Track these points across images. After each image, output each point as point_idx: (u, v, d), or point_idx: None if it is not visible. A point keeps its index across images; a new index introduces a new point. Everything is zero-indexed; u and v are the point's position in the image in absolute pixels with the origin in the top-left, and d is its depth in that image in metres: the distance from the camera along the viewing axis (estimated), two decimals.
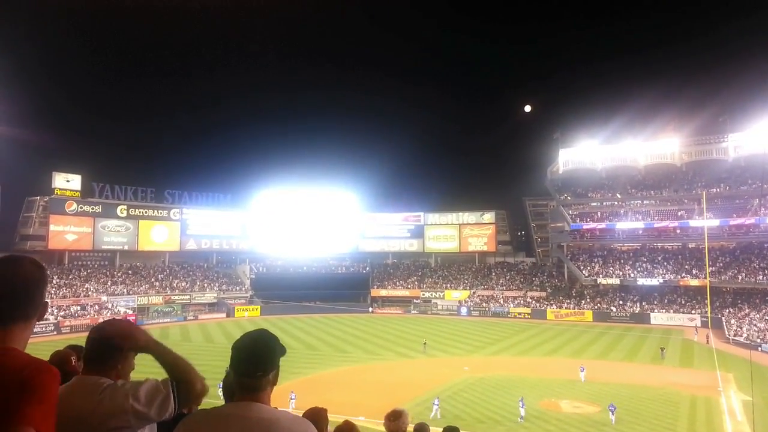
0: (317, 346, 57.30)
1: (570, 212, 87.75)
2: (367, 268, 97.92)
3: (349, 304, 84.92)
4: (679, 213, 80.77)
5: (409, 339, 60.63)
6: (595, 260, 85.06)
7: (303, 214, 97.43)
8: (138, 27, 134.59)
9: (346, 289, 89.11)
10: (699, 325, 66.33)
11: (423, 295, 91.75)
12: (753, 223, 73.22)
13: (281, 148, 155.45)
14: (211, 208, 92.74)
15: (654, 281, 77.36)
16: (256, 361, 2.39)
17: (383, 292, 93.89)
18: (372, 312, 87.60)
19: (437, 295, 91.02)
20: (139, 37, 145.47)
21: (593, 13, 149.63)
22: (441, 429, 6.37)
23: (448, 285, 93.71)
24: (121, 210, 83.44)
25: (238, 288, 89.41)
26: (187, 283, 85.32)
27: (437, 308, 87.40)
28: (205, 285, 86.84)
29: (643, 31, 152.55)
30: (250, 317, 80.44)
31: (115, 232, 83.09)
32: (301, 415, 3.77)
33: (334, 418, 4.07)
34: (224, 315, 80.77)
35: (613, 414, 30.32)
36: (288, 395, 31.95)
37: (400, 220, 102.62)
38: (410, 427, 4.75)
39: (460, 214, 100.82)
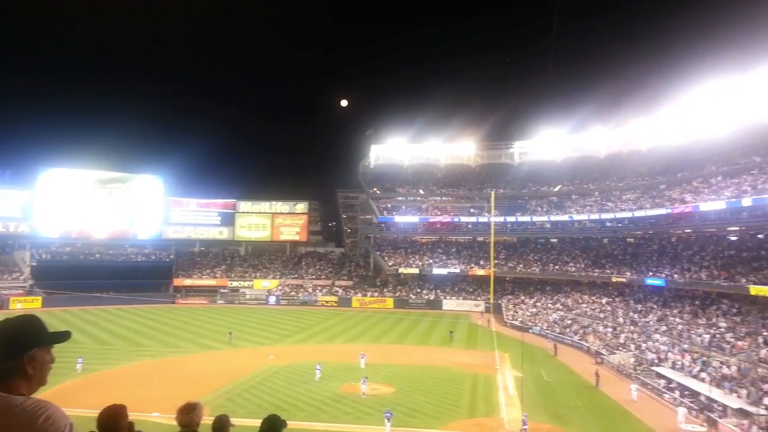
0: (109, 340, 52.91)
1: (379, 205, 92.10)
2: (171, 256, 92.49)
3: (149, 295, 79.39)
4: (472, 210, 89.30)
5: (214, 330, 58.82)
6: (399, 251, 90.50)
7: (98, 197, 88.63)
8: None
9: (147, 279, 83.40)
10: (483, 310, 74.23)
11: (231, 284, 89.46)
12: (529, 221, 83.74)
13: (76, 123, 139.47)
14: None
15: (448, 271, 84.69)
16: None
17: (188, 282, 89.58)
18: (174, 302, 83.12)
19: (246, 284, 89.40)
20: None
21: (403, 19, 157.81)
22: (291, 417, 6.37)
23: (258, 274, 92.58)
24: None
25: (14, 276, 78.62)
26: None
27: (245, 297, 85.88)
28: None
29: (443, 38, 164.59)
30: (27, 309, 71.15)
31: None
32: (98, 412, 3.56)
33: (130, 416, 3.92)
34: None
35: (389, 421, 27.78)
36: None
37: (210, 206, 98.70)
38: (209, 420, 4.71)
39: (273, 203, 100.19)
